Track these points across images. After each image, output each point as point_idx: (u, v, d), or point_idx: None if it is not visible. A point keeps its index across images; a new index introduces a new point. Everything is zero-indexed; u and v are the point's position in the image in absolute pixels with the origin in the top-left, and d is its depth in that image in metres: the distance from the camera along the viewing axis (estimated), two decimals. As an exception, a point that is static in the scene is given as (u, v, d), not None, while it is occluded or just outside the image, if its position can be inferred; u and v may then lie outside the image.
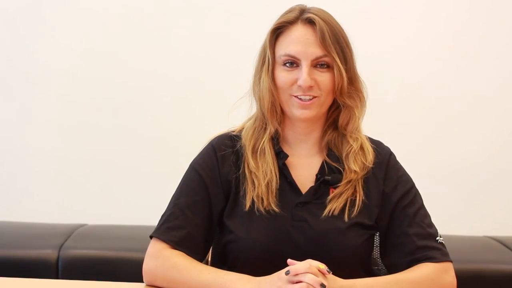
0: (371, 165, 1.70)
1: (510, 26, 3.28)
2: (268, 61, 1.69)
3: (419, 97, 3.31)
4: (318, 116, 1.71)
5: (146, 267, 1.64)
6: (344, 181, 1.68)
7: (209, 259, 1.83)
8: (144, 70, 3.31)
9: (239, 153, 1.73)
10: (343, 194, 1.67)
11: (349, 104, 1.70)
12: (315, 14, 1.67)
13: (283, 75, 1.67)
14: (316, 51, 1.65)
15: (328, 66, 1.67)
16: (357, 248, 1.65)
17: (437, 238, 1.67)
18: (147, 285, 1.64)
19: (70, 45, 3.32)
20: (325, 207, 1.66)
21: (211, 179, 1.70)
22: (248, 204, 1.66)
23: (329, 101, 1.70)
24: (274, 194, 1.66)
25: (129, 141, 3.32)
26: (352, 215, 1.66)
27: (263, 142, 1.71)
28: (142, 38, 3.31)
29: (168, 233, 1.65)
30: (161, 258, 1.62)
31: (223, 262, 1.72)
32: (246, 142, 1.72)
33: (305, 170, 1.71)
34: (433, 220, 1.71)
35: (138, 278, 1.66)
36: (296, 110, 1.67)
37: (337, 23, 1.69)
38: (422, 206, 1.71)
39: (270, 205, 1.65)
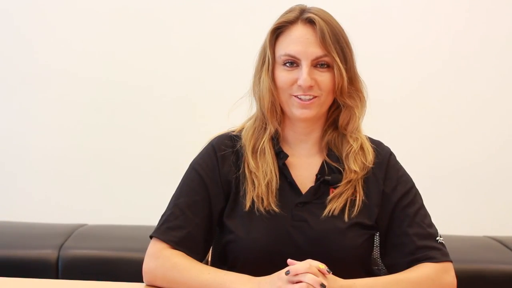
0: (371, 165, 1.70)
1: (510, 26, 3.28)
2: (268, 61, 1.69)
3: (419, 97, 3.31)
4: (318, 116, 1.71)
5: (146, 267, 1.63)
6: (344, 181, 1.68)
7: (209, 259, 1.83)
8: (144, 70, 3.31)
9: (239, 153, 1.73)
10: (343, 194, 1.66)
11: (349, 104, 1.70)
12: (315, 14, 1.67)
13: (283, 75, 1.67)
14: (316, 51, 1.65)
15: (328, 66, 1.67)
16: (357, 248, 1.65)
17: (437, 238, 1.67)
18: (147, 285, 1.64)
19: (70, 45, 3.32)
20: (325, 207, 1.66)
21: (211, 179, 1.70)
22: (248, 204, 1.66)
23: (329, 101, 1.70)
24: (274, 194, 1.66)
25: (129, 141, 3.32)
26: (352, 215, 1.66)
27: (263, 142, 1.71)
28: (142, 38, 3.31)
29: (168, 233, 1.65)
30: (161, 258, 1.62)
31: (223, 262, 1.72)
32: (246, 142, 1.72)
33: (305, 170, 1.71)
34: (433, 220, 1.71)
35: (138, 278, 1.66)
36: (296, 110, 1.67)
37: (337, 23, 1.69)
38: (422, 206, 1.71)
39: (270, 205, 1.65)
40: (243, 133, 1.75)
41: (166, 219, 1.68)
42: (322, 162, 1.71)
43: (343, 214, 1.65)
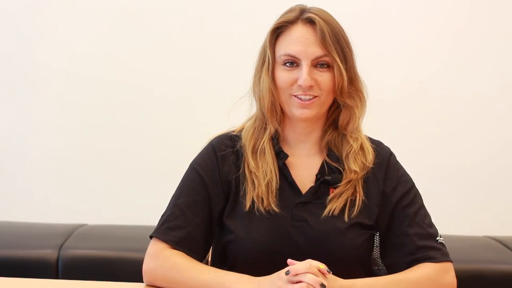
0: (371, 165, 1.70)
1: (510, 26, 3.28)
2: (268, 61, 1.69)
3: (419, 97, 3.31)
4: (318, 116, 1.71)
5: (146, 267, 1.63)
6: (344, 181, 1.68)
7: (209, 259, 1.83)
8: (144, 70, 3.31)
9: (239, 153, 1.73)
10: (343, 194, 1.66)
11: (349, 104, 1.70)
12: (315, 14, 1.67)
13: (283, 75, 1.67)
14: (316, 50, 1.65)
15: (328, 66, 1.67)
16: (357, 248, 1.65)
17: (437, 238, 1.67)
18: (147, 285, 1.64)
19: (70, 45, 3.32)
20: (325, 207, 1.66)
21: (211, 179, 1.70)
22: (248, 204, 1.66)
23: (329, 101, 1.70)
24: (274, 194, 1.66)
25: (129, 141, 3.32)
26: (352, 215, 1.66)
27: (263, 142, 1.71)
28: (142, 38, 3.31)
29: (168, 233, 1.65)
30: (161, 258, 1.62)
31: (223, 262, 1.72)
32: (246, 142, 1.72)
33: (305, 170, 1.71)
34: (433, 220, 1.71)
35: (138, 278, 1.66)
36: (296, 110, 1.67)
37: (337, 23, 1.69)
38: (422, 206, 1.71)
39: (270, 205, 1.65)
40: (243, 133, 1.75)
41: (166, 219, 1.68)
42: (322, 162, 1.71)
43: (343, 214, 1.65)
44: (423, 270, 1.61)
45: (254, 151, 1.71)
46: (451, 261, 1.65)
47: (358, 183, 1.68)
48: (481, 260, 2.71)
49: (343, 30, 1.69)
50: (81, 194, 3.32)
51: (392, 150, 1.78)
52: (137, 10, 3.31)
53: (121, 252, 2.70)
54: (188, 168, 1.74)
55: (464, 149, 3.30)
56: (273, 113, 1.70)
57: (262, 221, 1.64)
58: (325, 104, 1.69)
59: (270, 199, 1.65)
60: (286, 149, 1.73)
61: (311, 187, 1.69)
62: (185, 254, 1.63)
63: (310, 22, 1.67)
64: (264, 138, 1.71)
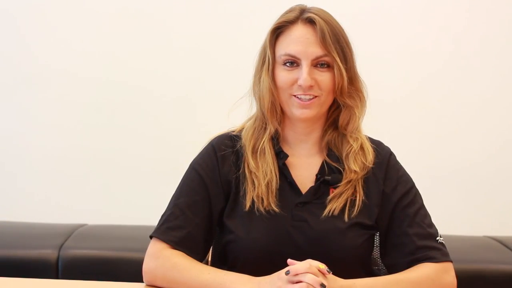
0: (371, 165, 1.70)
1: (510, 26, 3.28)
2: (268, 61, 1.69)
3: (419, 97, 3.31)
4: (318, 116, 1.71)
5: (146, 267, 1.63)
6: (344, 181, 1.68)
7: (209, 259, 1.83)
8: (144, 70, 3.31)
9: (239, 153, 1.73)
10: (343, 194, 1.66)
11: (349, 104, 1.70)
12: (315, 14, 1.67)
13: (283, 75, 1.67)
14: (316, 50, 1.65)
15: (328, 66, 1.67)
16: (357, 248, 1.65)
17: (437, 238, 1.67)
18: (147, 285, 1.64)
19: (70, 45, 3.32)
20: (325, 207, 1.66)
21: (211, 179, 1.70)
22: (248, 204, 1.66)
23: (329, 101, 1.70)
24: (274, 194, 1.66)
25: (129, 141, 3.32)
26: (352, 215, 1.66)
27: (263, 142, 1.71)
28: (142, 38, 3.31)
29: (168, 233, 1.65)
30: (161, 258, 1.62)
31: (223, 262, 1.72)
32: (246, 142, 1.72)
33: (305, 170, 1.71)
34: (433, 220, 1.71)
35: (138, 278, 1.66)
36: (296, 110, 1.67)
37: (337, 23, 1.69)
38: (422, 206, 1.71)
39: (270, 205, 1.65)
40: (243, 133, 1.75)
41: (166, 219, 1.68)
42: (322, 162, 1.71)
43: (343, 214, 1.65)
44: (423, 270, 1.61)
45: (254, 151, 1.71)
46: (451, 261, 1.65)
47: (358, 183, 1.68)
48: (481, 260, 2.71)
49: (343, 30, 1.69)
50: (81, 194, 3.32)
51: (392, 150, 1.78)
52: (137, 10, 3.31)
53: (121, 252, 2.70)
54: (188, 168, 1.74)
55: (464, 149, 3.30)
56: (273, 113, 1.70)
57: (262, 221, 1.64)
58: (325, 104, 1.69)
59: (270, 199, 1.65)
60: (286, 149, 1.73)
61: (311, 187, 1.69)
62: (185, 254, 1.63)
63: (310, 22, 1.67)
64: (264, 138, 1.71)
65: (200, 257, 1.68)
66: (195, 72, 3.31)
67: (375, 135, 1.79)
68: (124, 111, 3.31)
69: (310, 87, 1.65)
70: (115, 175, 3.32)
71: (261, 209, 1.65)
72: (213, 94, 3.27)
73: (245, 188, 1.68)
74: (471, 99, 3.30)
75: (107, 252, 2.71)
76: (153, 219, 1.80)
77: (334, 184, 1.68)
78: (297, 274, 1.46)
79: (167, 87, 3.31)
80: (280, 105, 1.70)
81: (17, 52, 3.32)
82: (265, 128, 1.72)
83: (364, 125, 1.76)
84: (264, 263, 1.59)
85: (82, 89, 3.32)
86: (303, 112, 1.67)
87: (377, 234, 1.74)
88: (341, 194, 1.66)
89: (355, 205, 1.66)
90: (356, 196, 1.67)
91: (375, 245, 1.75)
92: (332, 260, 1.55)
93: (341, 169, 1.69)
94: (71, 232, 2.86)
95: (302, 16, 1.68)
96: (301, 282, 1.44)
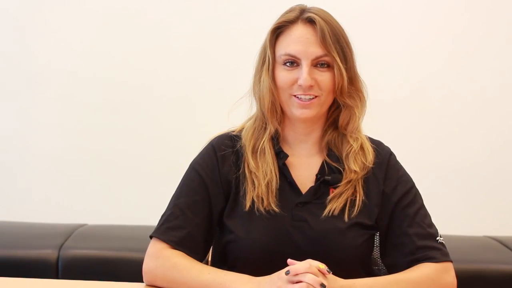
0: (371, 165, 1.70)
1: (510, 26, 3.28)
2: (268, 61, 1.69)
3: (419, 97, 3.31)
4: (318, 116, 1.71)
5: (146, 267, 1.63)
6: (344, 181, 1.68)
7: (209, 259, 1.83)
8: (144, 70, 3.31)
9: (239, 153, 1.73)
10: (343, 194, 1.66)
11: (349, 104, 1.70)
12: (316, 14, 1.67)
13: (283, 75, 1.67)
14: (316, 50, 1.65)
15: (328, 66, 1.67)
16: (357, 248, 1.65)
17: (437, 238, 1.67)
18: (147, 285, 1.64)
19: (70, 45, 3.32)
20: (325, 207, 1.66)
21: (211, 179, 1.70)
22: (248, 204, 1.66)
23: (329, 101, 1.70)
24: (274, 194, 1.66)
25: (129, 141, 3.32)
26: (352, 215, 1.66)
27: (263, 142, 1.71)
28: (142, 38, 3.31)
29: (168, 233, 1.65)
30: (161, 258, 1.62)
31: (223, 262, 1.72)
32: (246, 142, 1.72)
33: (305, 170, 1.71)
34: (433, 220, 1.71)
35: (138, 278, 1.66)
36: (296, 110, 1.67)
37: (337, 22, 1.69)
38: (422, 206, 1.71)
39: (270, 205, 1.65)
40: (243, 133, 1.75)
41: (166, 219, 1.68)
42: (322, 162, 1.71)
43: (343, 214, 1.65)
44: (423, 270, 1.61)
45: (254, 151, 1.71)
46: (451, 261, 1.65)
47: (358, 183, 1.68)
48: (481, 260, 2.71)
49: (343, 30, 1.69)
50: (81, 194, 3.32)
51: (392, 150, 1.78)
52: (137, 10, 3.31)
53: (121, 252, 2.70)
54: (188, 168, 1.74)
55: (464, 149, 3.30)
56: (273, 113, 1.70)
57: (262, 221, 1.64)
58: (325, 104, 1.69)
59: (270, 199, 1.65)
60: (286, 149, 1.73)
61: (311, 187, 1.69)
62: (185, 254, 1.63)
63: (310, 22, 1.67)
64: (264, 138, 1.71)
65: (200, 257, 1.68)
66: (195, 72, 3.31)
67: (375, 135, 1.79)
68: (124, 111, 3.31)
69: (310, 87, 1.65)
70: (115, 175, 3.32)
71: (261, 209, 1.65)
72: (213, 94, 3.27)
73: (245, 188, 1.68)
74: (471, 99, 3.30)
75: (107, 252, 2.71)
76: (153, 219, 1.80)
77: (334, 184, 1.68)
78: (297, 274, 1.46)
79: (167, 87, 3.31)
80: (280, 105, 1.70)
81: (17, 52, 3.32)
82: (265, 128, 1.72)
83: (364, 125, 1.76)
84: (264, 263, 1.59)
85: (82, 89, 3.32)
86: (303, 112, 1.67)
87: (377, 234, 1.74)
88: (341, 194, 1.66)
89: (355, 205, 1.66)
90: (356, 196, 1.67)
91: (375, 245, 1.75)
92: (332, 260, 1.55)
93: (341, 169, 1.69)
94: (71, 232, 2.86)
95: (302, 16, 1.68)
96: (301, 282, 1.44)
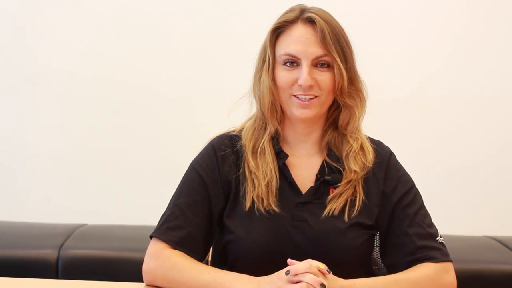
0: (371, 165, 1.70)
1: (510, 26, 3.28)
2: (269, 61, 1.69)
3: (419, 97, 3.31)
4: (318, 116, 1.71)
5: (146, 267, 1.63)
6: (344, 181, 1.68)
7: (209, 259, 1.83)
8: (144, 70, 3.32)
9: (239, 153, 1.73)
10: (343, 194, 1.66)
11: (349, 104, 1.70)
12: (316, 14, 1.67)
13: (283, 75, 1.67)
14: (316, 50, 1.65)
15: (328, 66, 1.67)
16: (357, 248, 1.65)
17: (437, 238, 1.67)
18: (147, 285, 1.64)
19: (70, 45, 3.32)
20: (325, 207, 1.66)
21: (211, 179, 1.70)
22: (248, 204, 1.66)
23: (329, 101, 1.70)
24: (274, 194, 1.66)
25: (129, 141, 3.32)
26: (352, 215, 1.66)
27: (263, 142, 1.71)
28: (142, 38, 3.31)
29: (168, 233, 1.65)
30: (161, 258, 1.62)
31: (223, 262, 1.72)
32: (246, 142, 1.72)
33: (305, 170, 1.71)
34: (433, 220, 1.71)
35: (138, 278, 1.66)
36: (296, 110, 1.67)
37: (337, 22, 1.69)
38: (422, 206, 1.71)
39: (270, 205, 1.65)
40: (243, 133, 1.75)
41: (166, 219, 1.68)
42: (322, 162, 1.71)
43: (343, 214, 1.65)
44: (423, 270, 1.61)
45: (254, 151, 1.71)
46: (451, 261, 1.65)
47: (358, 183, 1.68)
48: (481, 260, 2.71)
49: (343, 30, 1.69)
50: (81, 194, 3.32)
51: (392, 150, 1.78)
52: (137, 10, 3.31)
53: (121, 252, 2.70)
54: (188, 168, 1.74)
55: (464, 149, 3.30)
56: (273, 113, 1.70)
57: (262, 221, 1.64)
58: (325, 104, 1.69)
59: (270, 199, 1.65)
60: (286, 149, 1.73)
61: (311, 187, 1.69)
62: (185, 254, 1.63)
63: (310, 21, 1.67)
64: (264, 138, 1.71)
65: (200, 257, 1.68)
66: (195, 72, 3.31)
67: (375, 135, 1.79)
68: (124, 111, 3.32)
69: (310, 87, 1.65)
70: (115, 175, 3.32)
71: (261, 209, 1.65)
72: (213, 94, 3.27)
73: (245, 188, 1.68)
74: (471, 99, 3.30)
75: (107, 252, 2.71)
76: (153, 219, 1.80)
77: (334, 184, 1.68)
78: (297, 274, 1.46)
79: (167, 87, 3.31)
80: (280, 105, 1.70)
81: (17, 52, 3.32)
82: (265, 128, 1.72)
83: (364, 125, 1.76)
84: (264, 263, 1.59)
85: (82, 89, 3.32)
86: (303, 112, 1.67)
87: (377, 234, 1.74)
88: (341, 194, 1.66)
89: (355, 205, 1.66)
90: (356, 196, 1.67)
91: (375, 245, 1.75)
92: (332, 260, 1.55)
93: (341, 169, 1.69)
94: (71, 232, 2.86)
95: (302, 16, 1.68)
96: (301, 282, 1.44)
